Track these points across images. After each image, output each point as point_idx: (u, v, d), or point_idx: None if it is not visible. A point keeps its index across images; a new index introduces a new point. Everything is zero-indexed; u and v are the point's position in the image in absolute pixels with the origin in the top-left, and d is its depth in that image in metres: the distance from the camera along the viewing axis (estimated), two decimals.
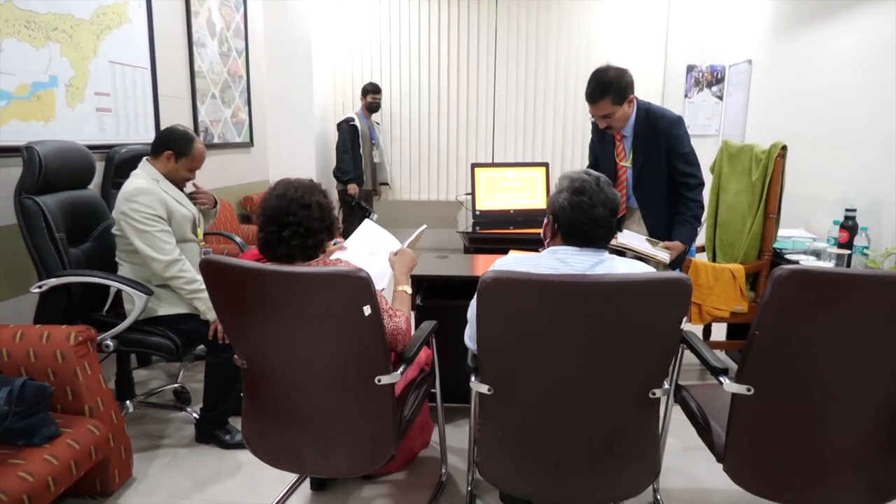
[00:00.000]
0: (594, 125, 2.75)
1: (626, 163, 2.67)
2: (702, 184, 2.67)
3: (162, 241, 2.35)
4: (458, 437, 2.55)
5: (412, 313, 1.94)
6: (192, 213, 2.52)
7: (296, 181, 1.80)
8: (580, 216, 1.59)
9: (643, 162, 2.62)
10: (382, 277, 2.16)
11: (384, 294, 1.90)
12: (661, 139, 2.59)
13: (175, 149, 2.45)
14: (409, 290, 1.97)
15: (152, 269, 2.36)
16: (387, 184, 5.40)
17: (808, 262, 2.91)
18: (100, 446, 1.95)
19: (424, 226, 2.44)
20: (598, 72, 2.48)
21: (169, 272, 2.35)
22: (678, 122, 2.62)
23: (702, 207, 2.68)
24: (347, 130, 4.91)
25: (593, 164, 2.91)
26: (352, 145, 4.91)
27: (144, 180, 2.39)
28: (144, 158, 2.48)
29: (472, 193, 3.60)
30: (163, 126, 3.14)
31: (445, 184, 5.98)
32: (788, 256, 3.01)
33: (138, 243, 2.33)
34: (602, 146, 2.77)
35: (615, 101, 2.46)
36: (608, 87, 2.44)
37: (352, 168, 4.94)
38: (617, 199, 1.65)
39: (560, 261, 1.61)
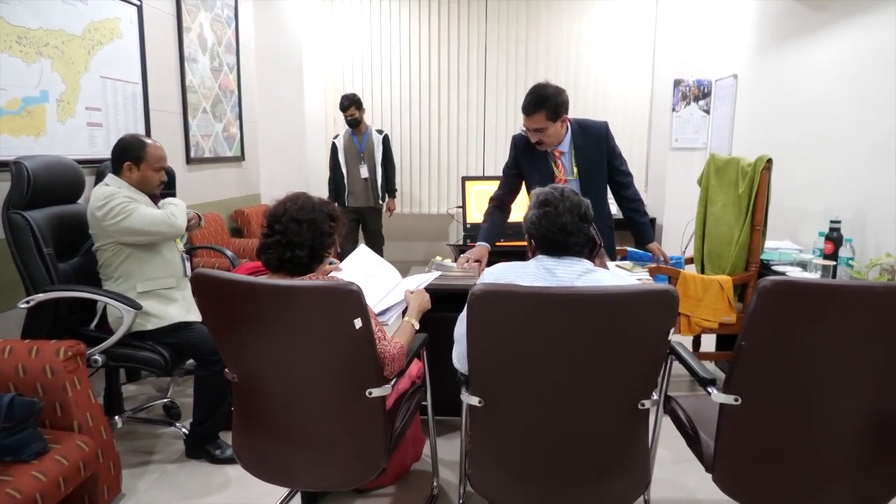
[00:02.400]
0: (519, 145, 2.74)
1: (570, 177, 2.69)
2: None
3: (150, 212, 2.41)
4: (449, 449, 2.54)
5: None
6: None
7: (305, 198, 1.79)
8: (548, 226, 1.64)
9: (590, 172, 2.67)
10: (379, 301, 2.17)
11: (387, 326, 1.91)
12: (602, 145, 2.68)
13: (130, 158, 2.44)
14: (417, 326, 1.97)
15: (164, 236, 2.45)
16: (382, 201, 5.01)
17: (795, 273, 2.95)
18: (89, 462, 1.93)
19: (439, 272, 2.50)
20: (537, 86, 2.54)
21: (173, 221, 2.44)
22: (607, 126, 2.74)
23: (643, 202, 2.85)
24: (330, 148, 4.95)
25: (506, 191, 2.81)
26: (333, 164, 4.89)
27: (107, 188, 2.40)
28: (110, 174, 2.47)
29: (463, 206, 3.63)
30: None
31: (437, 197, 6.00)
32: (775, 268, 3.04)
33: (135, 225, 2.35)
34: (534, 167, 2.70)
35: (549, 117, 2.51)
36: (544, 101, 2.50)
37: (330, 186, 4.92)
38: (584, 205, 1.69)
39: (547, 270, 1.63)
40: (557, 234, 1.64)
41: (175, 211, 2.47)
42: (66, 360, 1.98)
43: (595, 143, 2.67)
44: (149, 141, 2.51)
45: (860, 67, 3.03)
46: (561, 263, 1.64)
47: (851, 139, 3.07)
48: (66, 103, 2.82)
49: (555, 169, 2.67)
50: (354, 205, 4.89)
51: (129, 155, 2.44)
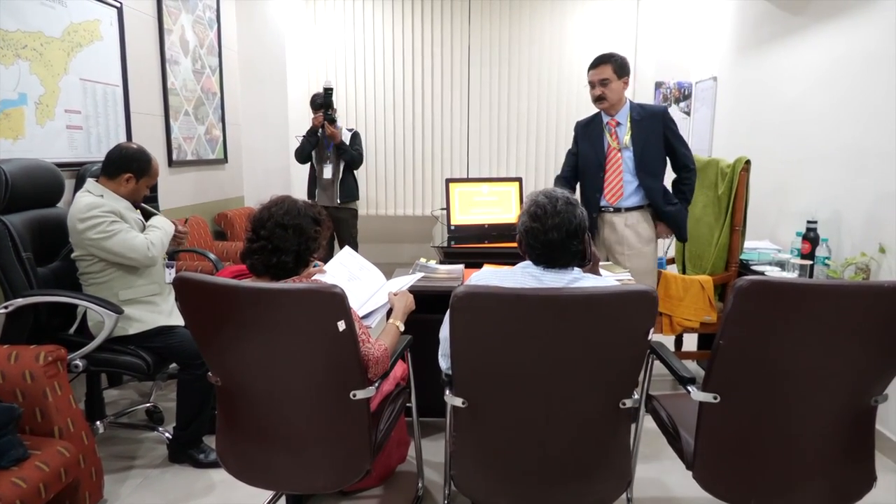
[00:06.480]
0: (579, 124, 3.03)
1: (623, 144, 2.86)
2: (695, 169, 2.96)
3: (132, 237, 2.36)
4: (434, 451, 2.55)
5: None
6: (142, 223, 2.53)
7: (290, 202, 1.79)
8: (534, 241, 1.65)
9: (645, 145, 2.83)
10: (363, 304, 2.17)
11: (371, 328, 1.92)
12: (658, 123, 2.85)
13: (135, 170, 2.42)
14: (402, 328, 1.98)
15: (138, 264, 2.39)
16: (353, 201, 4.80)
17: (773, 272, 3.00)
18: (70, 468, 1.91)
19: (422, 274, 2.51)
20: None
21: (152, 253, 2.38)
22: (666, 109, 2.98)
23: (685, 194, 2.92)
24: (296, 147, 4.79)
25: (568, 171, 3.05)
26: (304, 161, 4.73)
27: (90, 197, 2.36)
28: (90, 179, 2.44)
29: (447, 208, 3.63)
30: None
31: (420, 199, 6.01)
32: (754, 267, 3.09)
33: (113, 248, 2.31)
34: (589, 141, 2.94)
35: (615, 70, 2.81)
36: (612, 56, 2.85)
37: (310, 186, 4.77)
38: (576, 221, 1.64)
39: (534, 277, 1.64)
40: (541, 249, 1.64)
41: (155, 239, 2.43)
42: (46, 366, 1.96)
43: (651, 120, 2.85)
44: (153, 157, 2.51)
45: (835, 70, 3.08)
46: (548, 272, 1.65)
47: (826, 141, 3.13)
48: (45, 106, 2.78)
49: (609, 138, 2.87)
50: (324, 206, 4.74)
51: (134, 167, 2.42)
